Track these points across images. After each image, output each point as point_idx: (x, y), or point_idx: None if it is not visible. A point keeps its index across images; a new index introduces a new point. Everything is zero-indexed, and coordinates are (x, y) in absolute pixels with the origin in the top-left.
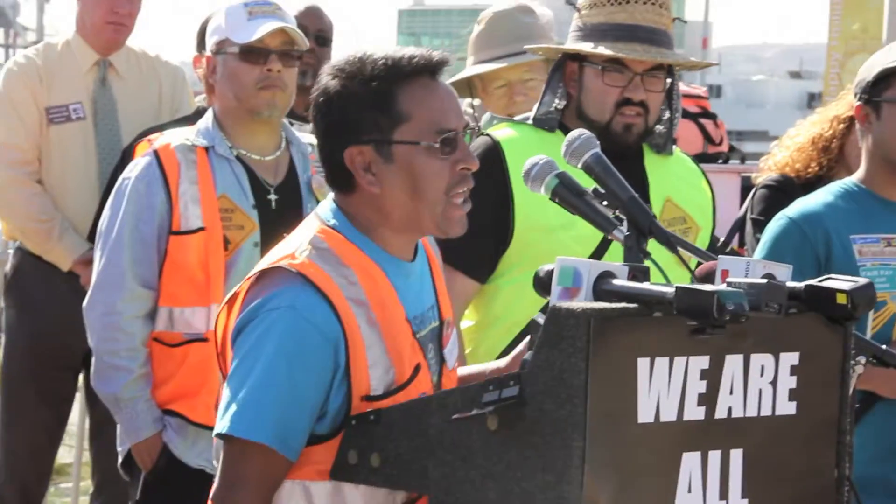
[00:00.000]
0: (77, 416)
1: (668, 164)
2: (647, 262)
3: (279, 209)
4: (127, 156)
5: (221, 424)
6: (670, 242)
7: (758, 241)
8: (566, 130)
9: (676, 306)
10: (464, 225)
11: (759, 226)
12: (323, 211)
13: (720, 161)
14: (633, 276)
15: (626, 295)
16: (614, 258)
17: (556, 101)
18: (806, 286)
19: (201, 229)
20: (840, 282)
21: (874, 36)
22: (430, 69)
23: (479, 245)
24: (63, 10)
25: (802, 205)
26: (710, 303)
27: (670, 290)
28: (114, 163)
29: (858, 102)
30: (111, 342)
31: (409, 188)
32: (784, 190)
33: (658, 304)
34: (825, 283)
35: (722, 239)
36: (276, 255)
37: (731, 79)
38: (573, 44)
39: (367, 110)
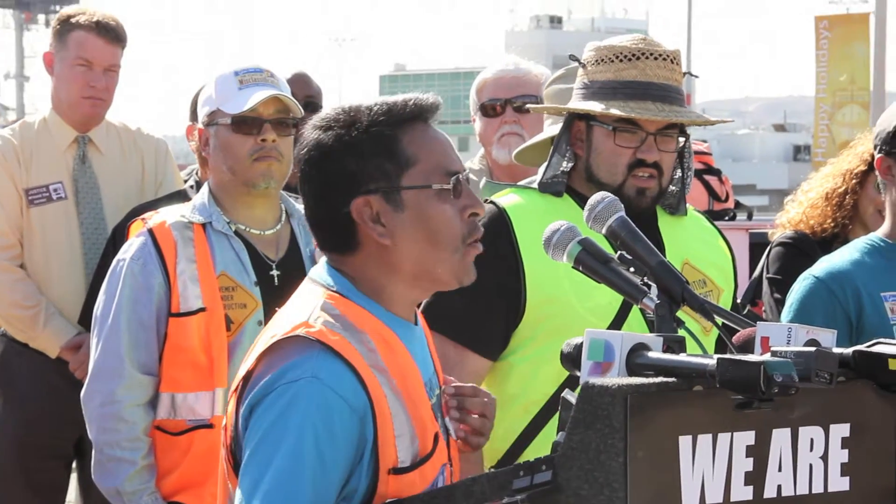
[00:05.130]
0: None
1: (683, 225)
2: (681, 332)
3: (282, 285)
4: (118, 234)
5: None
6: (705, 310)
7: (776, 300)
8: (574, 194)
9: (720, 379)
10: (474, 272)
11: (777, 285)
12: (320, 275)
13: (727, 218)
14: (668, 348)
15: (664, 368)
16: (634, 330)
17: (564, 162)
18: (855, 352)
19: (202, 310)
20: (891, 346)
21: (862, 86)
22: (424, 114)
23: (490, 322)
24: (43, 89)
25: (828, 263)
26: (757, 374)
27: (711, 361)
28: (98, 242)
29: (879, 154)
30: (111, 433)
31: (423, 237)
32: (800, 247)
33: (699, 377)
34: (875, 349)
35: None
36: (285, 325)
37: (716, 133)
38: (581, 102)
39: (371, 158)
